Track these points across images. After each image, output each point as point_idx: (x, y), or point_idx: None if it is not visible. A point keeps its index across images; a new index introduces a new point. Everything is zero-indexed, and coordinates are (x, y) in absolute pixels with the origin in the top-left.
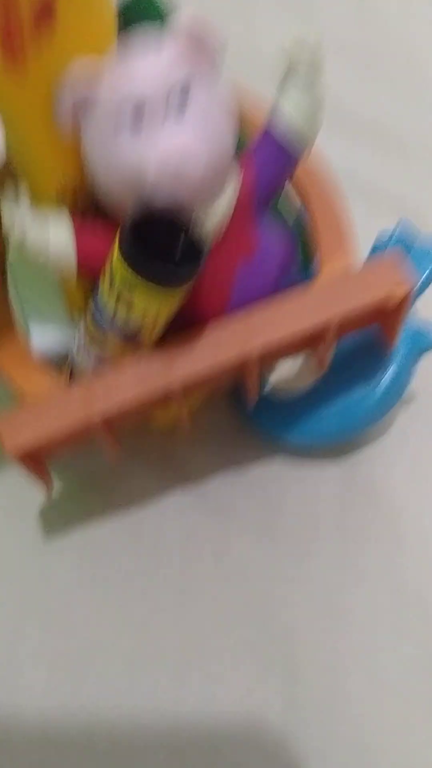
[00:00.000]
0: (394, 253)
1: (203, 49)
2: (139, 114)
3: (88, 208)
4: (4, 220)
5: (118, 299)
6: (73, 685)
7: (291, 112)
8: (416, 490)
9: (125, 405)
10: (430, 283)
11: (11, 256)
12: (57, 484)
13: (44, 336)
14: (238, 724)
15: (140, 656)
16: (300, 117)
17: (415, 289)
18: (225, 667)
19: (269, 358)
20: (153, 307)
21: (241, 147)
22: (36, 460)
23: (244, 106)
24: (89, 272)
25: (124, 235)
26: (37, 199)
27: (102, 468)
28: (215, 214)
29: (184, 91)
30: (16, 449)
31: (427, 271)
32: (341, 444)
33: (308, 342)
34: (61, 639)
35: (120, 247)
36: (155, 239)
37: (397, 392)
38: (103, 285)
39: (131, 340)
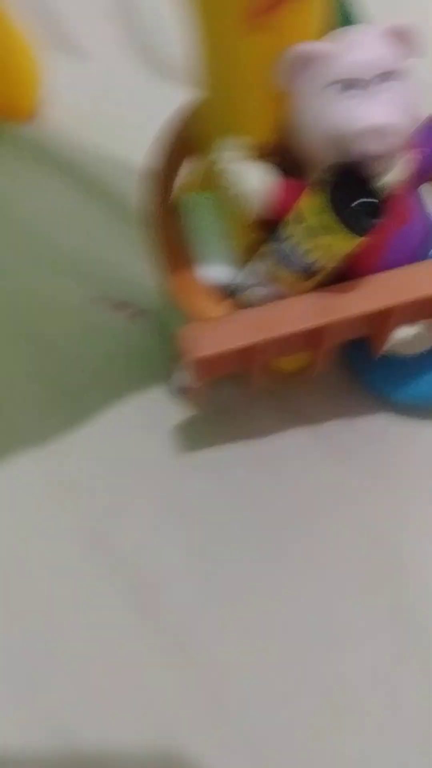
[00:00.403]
0: None
1: (405, 44)
2: (349, 86)
3: (282, 164)
4: (219, 164)
5: (308, 239)
6: (208, 570)
7: None
8: None
9: (284, 336)
10: None
11: (192, 202)
12: (196, 411)
13: (215, 269)
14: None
15: (257, 555)
16: None
17: None
18: (331, 588)
19: (404, 316)
20: (337, 249)
21: None
22: (207, 370)
23: None
24: (276, 213)
25: (332, 183)
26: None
27: (234, 401)
28: (389, 181)
29: (386, 76)
30: (197, 355)
31: None
32: None
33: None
34: (194, 532)
35: (329, 194)
36: (350, 189)
37: None
38: (295, 227)
39: (307, 277)
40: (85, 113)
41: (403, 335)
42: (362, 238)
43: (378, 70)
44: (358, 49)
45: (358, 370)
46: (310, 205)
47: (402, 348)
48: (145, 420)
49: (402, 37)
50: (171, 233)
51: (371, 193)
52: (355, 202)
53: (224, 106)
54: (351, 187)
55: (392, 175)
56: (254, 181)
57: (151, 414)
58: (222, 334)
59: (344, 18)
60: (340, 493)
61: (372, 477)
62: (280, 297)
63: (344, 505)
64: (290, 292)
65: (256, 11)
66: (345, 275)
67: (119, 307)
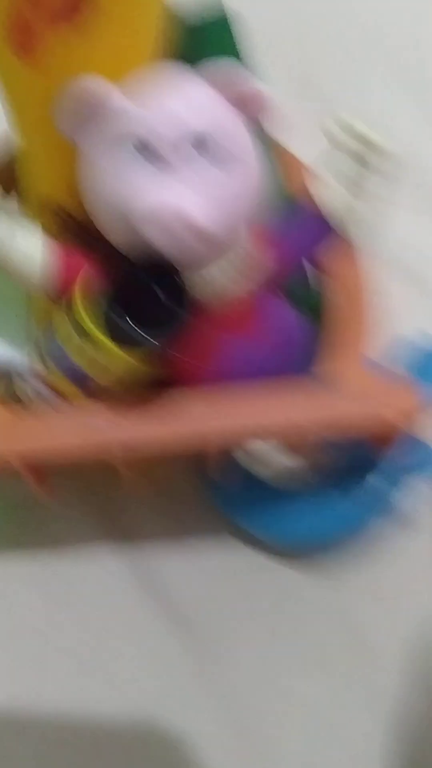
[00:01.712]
0: (411, 377)
1: (248, 108)
2: (142, 153)
3: (71, 231)
4: None
5: (71, 339)
6: None
7: (332, 193)
8: (379, 606)
9: (50, 453)
10: None
11: None
12: None
13: None
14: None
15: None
16: (340, 200)
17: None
18: None
19: (231, 444)
20: (105, 363)
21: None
22: None
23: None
24: (57, 293)
25: (109, 274)
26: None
27: (31, 502)
28: (213, 277)
29: (200, 144)
30: None
31: None
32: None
33: (285, 438)
34: None
35: (84, 294)
36: (135, 284)
37: (376, 509)
38: (62, 321)
39: (80, 385)
40: None
41: (276, 464)
42: (137, 354)
43: (192, 137)
44: (168, 100)
45: (209, 491)
46: (80, 297)
47: (275, 479)
48: None
49: (245, 101)
50: None
51: (171, 291)
52: (137, 297)
53: (20, 148)
54: (136, 282)
55: (218, 271)
56: (26, 246)
57: None
58: None
59: (195, 50)
60: (138, 635)
61: (184, 621)
62: (55, 402)
63: (138, 653)
64: (62, 399)
65: (21, 40)
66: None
67: None
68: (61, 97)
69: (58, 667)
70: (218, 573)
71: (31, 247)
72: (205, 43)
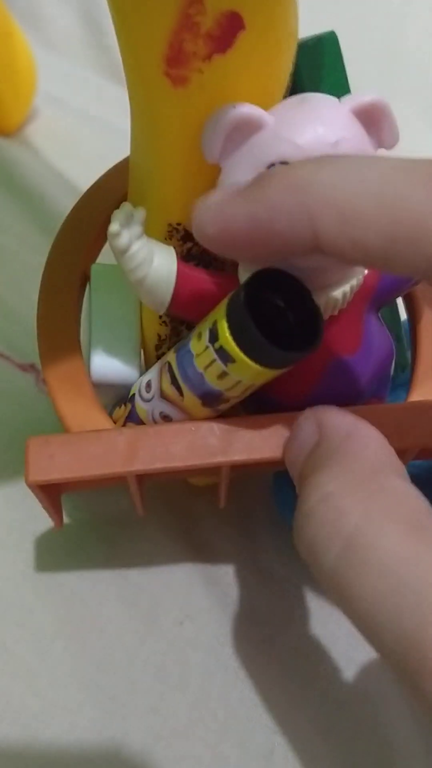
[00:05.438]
0: None
1: (374, 127)
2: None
3: (199, 258)
4: (112, 229)
5: (211, 363)
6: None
7: None
8: None
9: (166, 470)
10: None
11: (95, 270)
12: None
13: (106, 366)
14: None
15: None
16: None
17: None
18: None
19: None
20: (248, 380)
21: None
22: (52, 495)
23: None
24: (180, 312)
25: (237, 306)
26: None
27: (114, 517)
28: (332, 298)
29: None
30: (37, 481)
31: None
32: None
33: None
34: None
35: (229, 321)
36: (272, 305)
37: None
38: (198, 341)
39: (213, 407)
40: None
41: None
42: (279, 371)
43: (329, 147)
44: (311, 124)
45: (279, 504)
46: (225, 323)
47: None
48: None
49: (370, 117)
50: (62, 308)
51: (304, 311)
52: (279, 326)
53: (145, 171)
54: (274, 303)
55: (340, 291)
56: (163, 269)
57: (12, 516)
58: (75, 456)
59: (308, 82)
60: (217, 653)
61: (258, 642)
62: (175, 417)
63: (218, 666)
64: (185, 415)
65: (176, 60)
66: (261, 398)
67: (28, 369)
68: (210, 123)
69: (142, 680)
70: (296, 596)
71: (166, 271)
72: (317, 58)
